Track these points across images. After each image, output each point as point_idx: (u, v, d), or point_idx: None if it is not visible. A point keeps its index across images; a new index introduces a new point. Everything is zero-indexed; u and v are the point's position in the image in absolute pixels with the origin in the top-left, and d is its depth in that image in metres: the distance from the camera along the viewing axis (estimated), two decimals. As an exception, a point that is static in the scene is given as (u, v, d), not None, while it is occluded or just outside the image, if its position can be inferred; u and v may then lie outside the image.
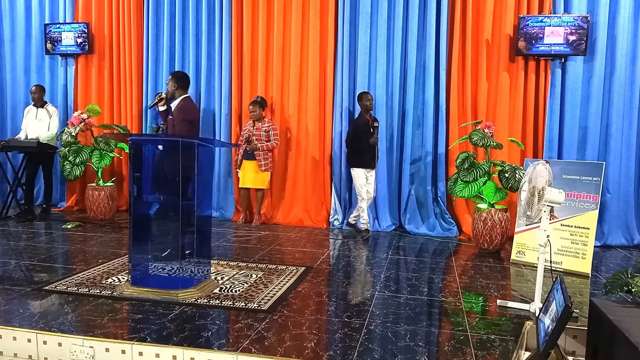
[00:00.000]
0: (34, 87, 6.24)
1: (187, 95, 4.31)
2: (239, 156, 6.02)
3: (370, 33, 5.94)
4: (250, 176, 6.00)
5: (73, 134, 5.98)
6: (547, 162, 3.16)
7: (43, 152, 6.05)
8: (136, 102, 6.72)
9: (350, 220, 5.78)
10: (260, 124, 5.96)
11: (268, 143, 5.93)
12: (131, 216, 3.35)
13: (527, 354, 2.58)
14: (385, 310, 3.12)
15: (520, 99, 5.57)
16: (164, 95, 4.37)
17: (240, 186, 6.10)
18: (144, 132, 6.58)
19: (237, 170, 6.09)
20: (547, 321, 2.20)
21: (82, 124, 5.99)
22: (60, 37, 6.81)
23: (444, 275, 4.10)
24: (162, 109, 4.40)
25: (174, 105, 4.26)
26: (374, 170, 5.53)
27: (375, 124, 5.40)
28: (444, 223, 5.79)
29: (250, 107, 5.94)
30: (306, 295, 3.37)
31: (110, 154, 6.08)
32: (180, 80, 4.26)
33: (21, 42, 7.14)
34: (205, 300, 3.19)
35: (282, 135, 6.17)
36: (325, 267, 4.19)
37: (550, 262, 3.20)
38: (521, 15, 5.45)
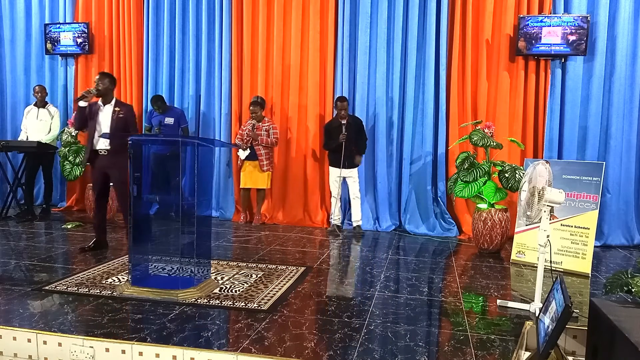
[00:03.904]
0: (37, 87, 6.21)
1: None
2: (240, 160, 6.04)
3: (370, 33, 5.94)
4: (252, 176, 6.00)
5: (73, 134, 5.99)
6: (547, 162, 3.16)
7: (43, 152, 6.05)
8: (136, 102, 6.72)
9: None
10: (260, 123, 5.96)
11: (268, 139, 5.94)
12: (131, 216, 3.35)
13: (527, 354, 2.58)
14: (385, 310, 3.12)
15: (520, 99, 5.57)
16: (94, 92, 4.22)
17: (241, 186, 6.10)
18: (143, 132, 6.58)
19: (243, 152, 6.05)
20: (547, 321, 2.20)
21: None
22: (60, 37, 6.82)
23: (444, 275, 4.10)
24: (83, 104, 4.21)
25: (113, 105, 4.31)
26: (349, 170, 5.64)
27: (343, 122, 5.55)
28: (444, 223, 5.79)
29: (251, 107, 5.93)
30: (306, 295, 3.38)
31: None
32: (114, 82, 4.38)
33: (21, 42, 7.14)
34: (205, 300, 3.19)
35: (282, 136, 6.17)
36: (325, 267, 4.19)
37: (550, 262, 3.20)
38: (521, 15, 5.45)
